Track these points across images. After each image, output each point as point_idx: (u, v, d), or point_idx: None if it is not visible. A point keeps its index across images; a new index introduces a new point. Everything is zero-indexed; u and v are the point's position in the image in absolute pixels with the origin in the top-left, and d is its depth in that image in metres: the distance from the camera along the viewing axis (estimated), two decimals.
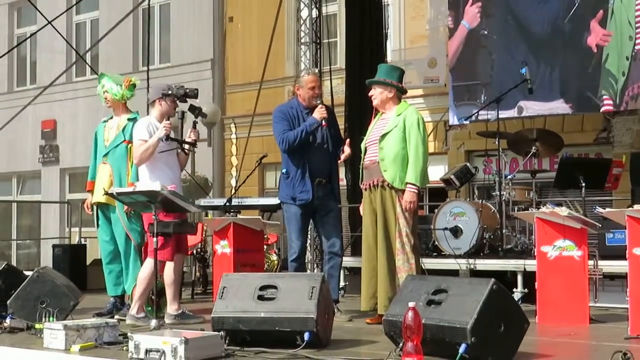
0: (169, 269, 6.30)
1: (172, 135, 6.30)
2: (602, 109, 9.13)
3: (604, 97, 8.97)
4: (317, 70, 8.89)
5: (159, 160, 6.28)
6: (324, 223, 6.53)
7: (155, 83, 7.82)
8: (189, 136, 6.39)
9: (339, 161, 6.55)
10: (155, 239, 5.73)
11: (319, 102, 6.46)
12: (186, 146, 6.40)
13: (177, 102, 6.44)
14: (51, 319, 5.54)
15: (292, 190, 6.42)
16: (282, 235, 9.53)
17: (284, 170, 6.51)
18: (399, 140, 6.00)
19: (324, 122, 6.37)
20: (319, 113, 6.36)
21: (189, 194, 8.84)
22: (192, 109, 6.45)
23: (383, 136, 6.05)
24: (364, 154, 6.25)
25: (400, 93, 6.19)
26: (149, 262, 6.11)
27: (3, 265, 6.92)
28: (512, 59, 9.61)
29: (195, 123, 6.45)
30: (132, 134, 6.64)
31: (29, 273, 6.31)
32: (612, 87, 8.93)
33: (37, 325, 5.50)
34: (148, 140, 6.21)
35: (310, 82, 6.49)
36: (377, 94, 6.16)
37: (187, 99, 6.43)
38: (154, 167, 6.28)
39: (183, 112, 6.43)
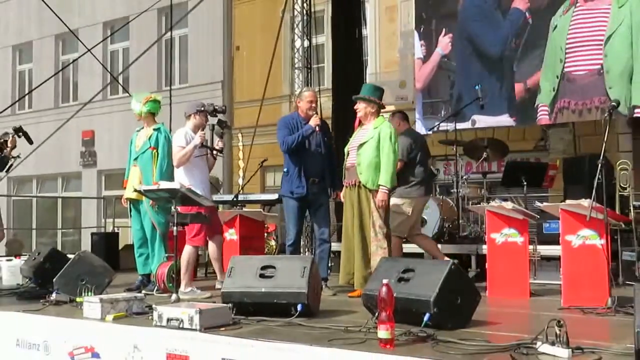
0: (211, 247, 6.55)
1: (205, 143, 6.35)
2: (538, 119, 9.11)
3: (541, 104, 8.97)
4: (315, 89, 8.89)
5: (193, 164, 6.31)
6: (316, 215, 6.52)
7: (186, 101, 7.71)
8: (217, 144, 6.46)
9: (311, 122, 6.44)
10: (175, 228, 5.73)
11: (314, 113, 6.49)
12: (215, 152, 6.46)
13: (208, 116, 6.48)
14: (89, 293, 5.52)
15: (291, 185, 6.43)
16: (280, 224, 9.51)
17: (285, 170, 6.52)
18: (373, 149, 6.03)
19: (317, 129, 6.39)
20: (313, 121, 6.42)
21: None
22: (220, 122, 6.55)
23: (361, 145, 6.09)
24: (347, 157, 6.27)
25: (380, 108, 6.23)
26: (186, 248, 6.28)
27: (49, 250, 6.91)
28: (468, 80, 9.59)
29: (222, 134, 6.54)
30: (157, 141, 6.69)
31: (71, 256, 6.29)
32: (547, 100, 8.94)
33: (78, 299, 5.48)
34: (185, 146, 6.25)
35: (309, 97, 6.55)
36: (361, 108, 6.20)
37: (217, 114, 6.50)
38: (188, 170, 6.30)
39: (213, 125, 6.49)
